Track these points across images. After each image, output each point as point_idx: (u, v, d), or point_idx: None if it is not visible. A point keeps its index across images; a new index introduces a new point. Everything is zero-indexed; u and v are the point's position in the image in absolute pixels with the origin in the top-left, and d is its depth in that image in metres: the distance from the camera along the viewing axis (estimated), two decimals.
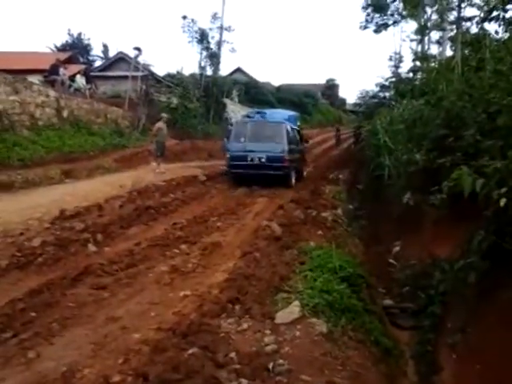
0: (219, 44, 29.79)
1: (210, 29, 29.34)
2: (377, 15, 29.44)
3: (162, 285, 5.34)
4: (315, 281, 5.00)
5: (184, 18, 28.33)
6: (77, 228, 7.31)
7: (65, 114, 15.97)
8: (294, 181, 13.60)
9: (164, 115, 16.10)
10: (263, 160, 12.69)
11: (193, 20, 28.45)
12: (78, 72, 20.90)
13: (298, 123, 21.61)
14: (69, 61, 23.98)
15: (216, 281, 5.34)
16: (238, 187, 12.83)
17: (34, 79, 16.68)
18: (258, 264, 5.74)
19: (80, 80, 19.83)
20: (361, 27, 30.39)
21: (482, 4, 11.42)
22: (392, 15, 28.81)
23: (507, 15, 8.30)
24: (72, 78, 19.65)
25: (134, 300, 4.87)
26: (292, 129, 14.76)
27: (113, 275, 5.58)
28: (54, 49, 37.29)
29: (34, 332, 4.01)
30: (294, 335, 3.87)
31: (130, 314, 4.48)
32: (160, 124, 15.23)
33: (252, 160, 12.72)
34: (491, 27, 9.86)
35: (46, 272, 5.62)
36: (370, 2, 29.01)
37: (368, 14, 29.52)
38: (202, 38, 28.78)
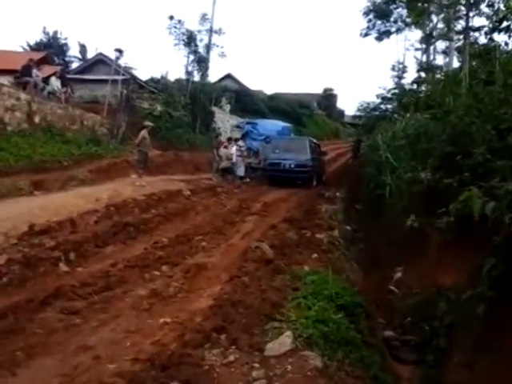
0: (208, 48, 30.01)
1: (199, 31, 29.65)
2: (379, 22, 29.91)
3: (140, 311, 5.28)
4: (309, 309, 4.99)
5: (171, 18, 28.57)
6: (47, 245, 7.24)
7: (37, 119, 15.92)
8: (315, 183, 19.11)
9: (148, 123, 16.14)
10: (292, 166, 18.43)
11: (180, 21, 28.68)
12: (53, 74, 20.87)
13: (292, 135, 23.21)
14: (43, 61, 24.05)
15: (200, 307, 5.29)
16: (227, 204, 12.85)
17: (4, 80, 16.66)
18: (247, 289, 5.71)
19: (55, 83, 19.77)
20: (361, 34, 30.91)
21: (492, 14, 11.71)
22: (395, 22, 29.31)
23: None
24: (46, 81, 19.58)
25: (108, 327, 4.80)
26: (314, 143, 20.64)
27: (86, 299, 5.51)
28: (27, 48, 37.29)
29: None
30: (286, 369, 3.83)
31: (103, 343, 4.41)
32: (144, 133, 15.22)
33: (284, 166, 18.58)
34: (500, 38, 10.07)
35: (11, 294, 5.51)
36: (371, 8, 29.46)
37: (370, 20, 30.02)
38: (190, 40, 28.96)
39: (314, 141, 21.61)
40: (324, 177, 21.69)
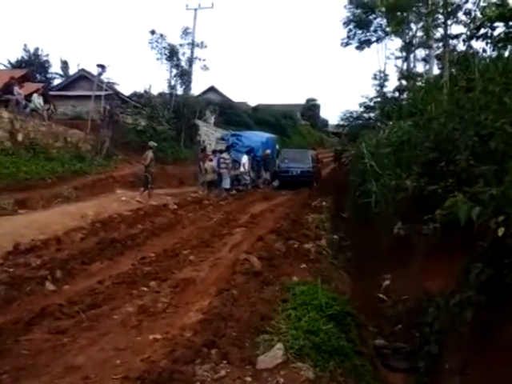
0: (190, 61, 30.05)
1: (181, 45, 29.66)
2: (359, 31, 30.20)
3: (129, 328, 5.21)
4: (300, 320, 4.97)
5: (152, 32, 28.57)
6: (33, 264, 7.14)
7: (20, 137, 15.81)
8: (315, 184, 23.33)
9: (153, 143, 16.66)
10: (298, 172, 23.00)
11: (162, 35, 28.71)
12: (35, 91, 20.77)
13: (277, 146, 24.17)
14: (24, 79, 23.83)
15: (189, 322, 5.24)
16: (214, 216, 12.83)
17: None
18: (236, 302, 5.67)
19: (37, 100, 19.68)
20: (342, 44, 31.11)
21: (469, 21, 11.91)
22: (375, 31, 29.53)
23: (495, 33, 8.67)
24: (28, 98, 19.49)
25: (96, 346, 4.73)
26: (314, 154, 26.31)
27: (73, 317, 5.42)
28: (8, 65, 36.99)
29: None
30: (278, 382, 3.80)
31: (92, 362, 4.34)
32: (151, 154, 15.70)
33: (291, 172, 23.14)
34: (478, 45, 10.24)
35: None
36: (351, 18, 29.78)
37: (350, 30, 30.24)
38: (172, 54, 29.00)
39: (314, 152, 28.20)
40: (321, 178, 26.33)
